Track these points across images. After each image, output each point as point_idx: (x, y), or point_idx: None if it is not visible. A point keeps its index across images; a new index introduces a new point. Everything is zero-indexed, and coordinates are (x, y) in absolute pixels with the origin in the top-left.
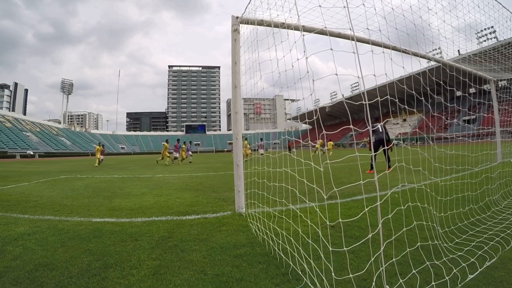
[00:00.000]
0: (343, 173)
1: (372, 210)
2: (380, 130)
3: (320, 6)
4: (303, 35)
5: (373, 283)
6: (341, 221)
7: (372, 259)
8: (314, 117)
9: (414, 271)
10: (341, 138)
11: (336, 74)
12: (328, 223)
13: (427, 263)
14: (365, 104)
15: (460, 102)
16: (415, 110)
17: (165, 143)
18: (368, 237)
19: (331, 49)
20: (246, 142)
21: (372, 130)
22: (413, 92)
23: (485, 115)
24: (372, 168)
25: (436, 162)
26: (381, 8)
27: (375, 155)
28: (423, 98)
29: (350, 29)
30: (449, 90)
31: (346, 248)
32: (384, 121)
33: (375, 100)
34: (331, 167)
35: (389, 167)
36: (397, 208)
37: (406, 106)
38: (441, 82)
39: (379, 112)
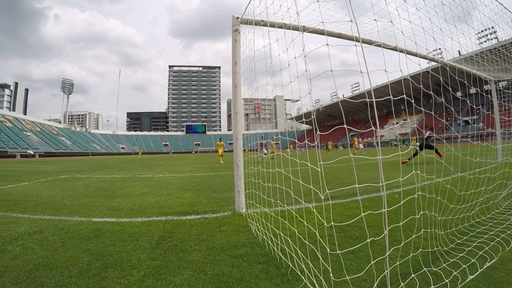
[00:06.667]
0: (343, 173)
1: (372, 210)
2: None
3: (333, 5)
4: (318, 36)
5: (375, 285)
6: (355, 218)
7: (375, 261)
8: (313, 117)
9: (413, 275)
10: (341, 138)
11: (361, 72)
12: (330, 223)
13: (424, 269)
14: (374, 101)
15: (464, 103)
16: (406, 110)
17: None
18: (371, 238)
19: (355, 45)
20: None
21: None
22: (404, 96)
23: (487, 113)
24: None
25: (437, 162)
26: (383, 8)
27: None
28: (418, 98)
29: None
30: (447, 91)
31: (352, 248)
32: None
33: (372, 100)
34: (331, 168)
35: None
36: (397, 208)
37: (408, 106)
38: (428, 85)
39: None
